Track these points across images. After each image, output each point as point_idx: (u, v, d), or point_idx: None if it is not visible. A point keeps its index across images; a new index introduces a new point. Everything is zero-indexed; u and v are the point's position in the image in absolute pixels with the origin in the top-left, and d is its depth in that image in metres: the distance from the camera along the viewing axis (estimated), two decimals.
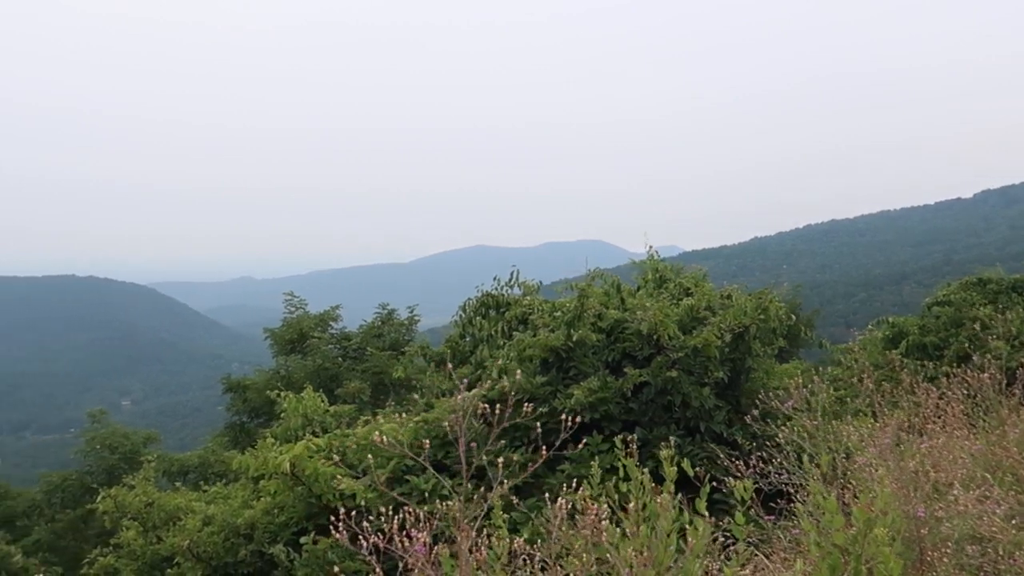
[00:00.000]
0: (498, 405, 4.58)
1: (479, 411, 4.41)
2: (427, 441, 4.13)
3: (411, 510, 3.95)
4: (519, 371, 8.76)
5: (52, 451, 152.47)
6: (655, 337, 8.77)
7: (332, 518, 3.75)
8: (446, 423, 8.89)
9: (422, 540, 3.47)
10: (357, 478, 8.82)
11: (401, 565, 3.56)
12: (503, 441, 8.77)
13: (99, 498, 10.05)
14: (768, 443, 7.39)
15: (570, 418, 4.13)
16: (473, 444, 4.52)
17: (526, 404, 4.78)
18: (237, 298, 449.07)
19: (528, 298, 11.05)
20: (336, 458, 9.28)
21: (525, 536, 4.50)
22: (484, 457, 4.13)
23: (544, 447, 4.34)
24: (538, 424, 4.48)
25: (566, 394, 8.73)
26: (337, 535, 3.60)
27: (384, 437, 3.83)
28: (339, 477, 8.71)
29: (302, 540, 8.34)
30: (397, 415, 10.49)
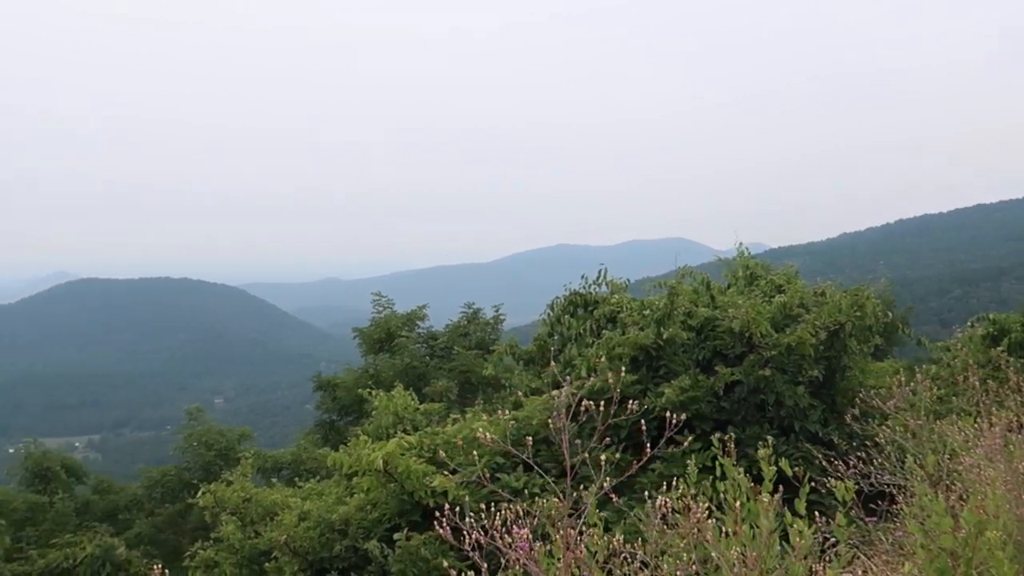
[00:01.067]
0: (587, 403, 4.57)
1: (570, 409, 4.40)
2: (529, 438, 4.09)
3: (508, 507, 3.97)
4: (609, 369, 8.73)
5: (149, 448, 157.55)
6: (747, 335, 8.65)
7: (437, 513, 3.78)
8: (536, 421, 8.96)
9: (525, 536, 3.48)
10: (448, 475, 8.90)
11: (503, 561, 3.58)
12: (593, 439, 8.77)
13: (199, 493, 10.33)
14: (867, 443, 7.23)
15: (673, 416, 4.09)
16: (576, 442, 4.51)
17: (616, 402, 4.76)
18: (324, 298, 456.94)
19: (616, 296, 11.00)
20: (427, 456, 9.40)
21: (618, 535, 4.49)
22: (587, 455, 4.12)
23: (647, 446, 4.31)
24: (642, 422, 4.43)
25: (656, 393, 8.68)
26: (440, 530, 3.63)
27: (488, 434, 3.84)
28: (431, 474, 8.81)
29: (395, 536, 8.44)
30: (486, 414, 10.57)
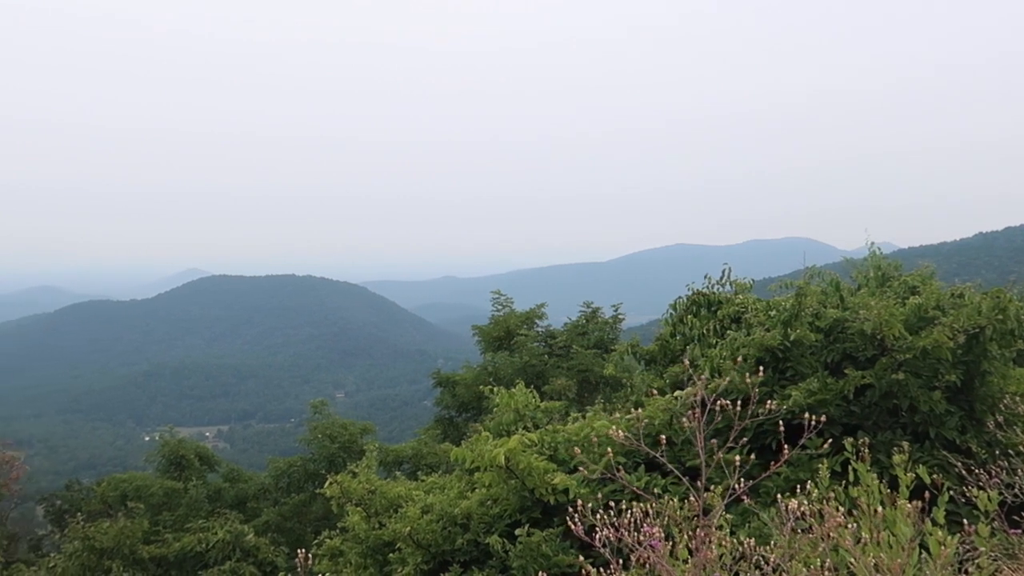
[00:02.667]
0: (722, 402, 4.52)
1: (696, 409, 4.36)
2: (663, 437, 4.08)
3: (638, 505, 3.96)
4: (734, 371, 8.60)
5: (274, 438, 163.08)
6: (879, 337, 8.39)
7: (570, 509, 3.80)
8: (658, 421, 8.90)
9: (657, 535, 3.47)
10: (569, 473, 8.92)
11: (634, 559, 3.58)
12: (715, 440, 8.65)
13: (326, 484, 10.60)
14: (1010, 452, 6.92)
15: (812, 418, 4.01)
16: (706, 442, 4.47)
17: (740, 404, 4.69)
18: (441, 296, 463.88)
19: (741, 297, 10.82)
20: (548, 453, 9.44)
21: (742, 537, 4.43)
22: (712, 456, 4.08)
23: (773, 448, 4.24)
24: (779, 423, 4.35)
25: (783, 395, 8.50)
26: (573, 527, 3.65)
27: (621, 431, 3.84)
28: (552, 472, 8.85)
29: (517, 532, 8.51)
30: (607, 413, 10.54)
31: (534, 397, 11.25)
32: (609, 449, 5.97)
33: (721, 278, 11.26)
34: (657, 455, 3.84)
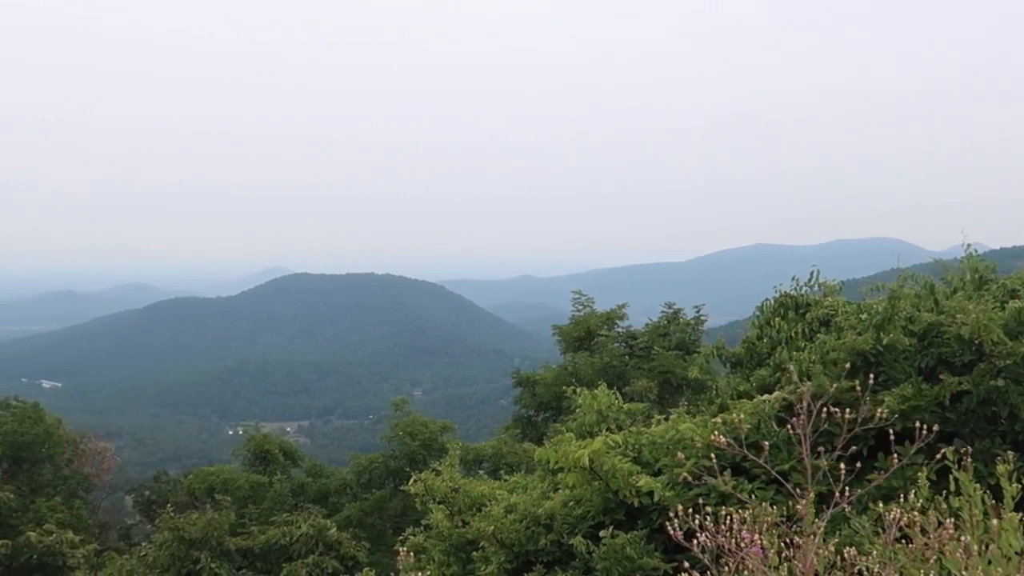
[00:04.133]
0: (827, 407, 4.45)
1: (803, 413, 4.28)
2: (766, 444, 4.02)
3: (736, 511, 3.92)
4: (824, 375, 8.45)
5: (353, 434, 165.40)
6: (977, 342, 8.15)
7: (670, 514, 3.77)
8: (746, 425, 8.78)
9: (758, 542, 3.43)
10: (654, 475, 8.87)
11: (732, 565, 3.54)
12: (807, 445, 8.50)
13: (410, 481, 10.74)
14: None
15: (924, 427, 3.91)
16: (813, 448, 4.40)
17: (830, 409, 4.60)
18: (518, 295, 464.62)
19: (830, 299, 10.63)
20: (632, 455, 9.39)
21: (831, 545, 4.34)
22: (827, 462, 4.01)
23: (865, 455, 4.15)
24: (872, 428, 4.26)
25: (875, 400, 8.31)
26: (671, 528, 3.62)
27: (722, 437, 3.81)
28: (636, 474, 8.80)
29: (601, 533, 8.49)
30: (690, 415, 10.45)
31: (617, 399, 11.20)
32: (716, 454, 5.86)
33: (809, 280, 11.07)
34: (756, 457, 3.78)
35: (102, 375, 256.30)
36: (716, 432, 4.16)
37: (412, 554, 4.06)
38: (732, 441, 3.89)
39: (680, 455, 5.31)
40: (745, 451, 3.94)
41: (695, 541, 3.57)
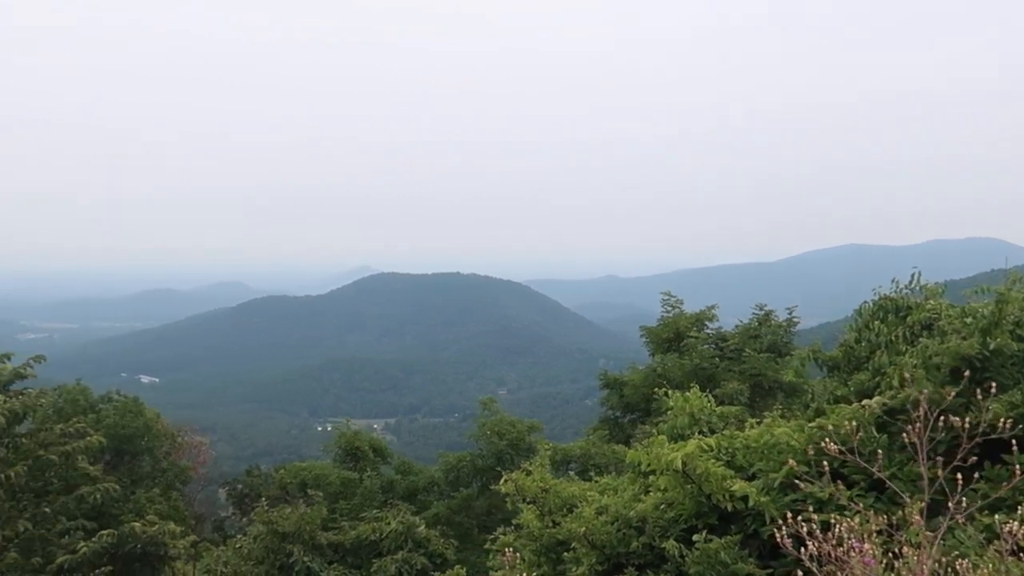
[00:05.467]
0: (916, 416, 4.32)
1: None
2: (879, 451, 3.94)
3: (845, 519, 3.84)
4: (927, 380, 8.21)
5: (439, 432, 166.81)
6: None
7: (780, 521, 3.71)
8: (843, 430, 8.58)
9: (870, 552, 3.35)
10: (748, 480, 8.74)
11: (840, 574, 3.46)
12: (903, 453, 8.27)
13: (501, 481, 10.78)
14: None
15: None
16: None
17: (933, 416, 4.46)
18: (603, 295, 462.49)
19: (932, 302, 10.31)
20: (725, 459, 9.26)
21: (941, 555, 4.20)
22: (933, 471, 3.90)
23: (969, 464, 4.02)
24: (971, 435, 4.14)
25: (982, 407, 8.04)
26: (779, 535, 3.56)
27: (830, 443, 3.73)
28: (730, 478, 8.68)
29: (694, 537, 8.40)
30: (784, 419, 10.26)
31: (709, 401, 11.06)
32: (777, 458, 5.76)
33: (910, 282, 10.76)
34: (865, 464, 3.70)
35: (197, 371, 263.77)
36: (825, 439, 4.07)
37: (515, 554, 4.06)
38: (842, 448, 3.80)
39: (792, 461, 5.15)
40: (856, 458, 3.84)
41: (802, 548, 3.50)
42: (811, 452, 3.82)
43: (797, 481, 8.43)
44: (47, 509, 14.38)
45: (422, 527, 18.80)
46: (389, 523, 18.58)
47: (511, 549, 4.20)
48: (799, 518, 3.66)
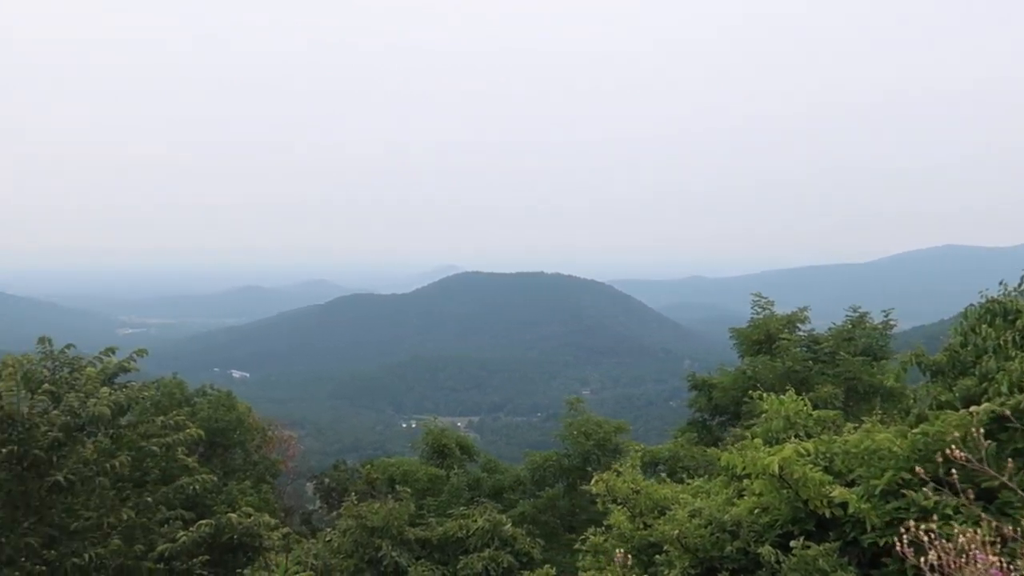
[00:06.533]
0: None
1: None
2: (1009, 461, 3.79)
3: (966, 530, 3.70)
4: None
5: (522, 431, 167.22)
6: None
7: (902, 530, 3.59)
8: (948, 437, 8.30)
9: (995, 562, 3.22)
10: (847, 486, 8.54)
11: None
12: (1016, 461, 7.98)
13: (592, 481, 10.75)
14: None
15: None
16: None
17: None
18: (688, 296, 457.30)
19: None
20: (822, 464, 9.06)
21: None
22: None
23: None
24: None
25: None
26: (899, 543, 3.45)
27: (958, 451, 3.60)
28: (829, 484, 8.49)
29: (792, 544, 8.24)
30: (883, 425, 9.98)
31: (805, 405, 10.83)
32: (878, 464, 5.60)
33: (1020, 284, 10.35)
34: (992, 472, 3.56)
35: (286, 366, 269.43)
36: (951, 446, 3.92)
37: (627, 555, 4.02)
38: (962, 455, 3.67)
39: (919, 469, 4.97)
40: (970, 464, 3.70)
41: (923, 559, 3.38)
42: (938, 458, 3.68)
43: (901, 489, 8.24)
44: (148, 498, 14.83)
45: (508, 525, 18.81)
46: (476, 520, 18.65)
47: (622, 550, 4.15)
48: (921, 527, 3.54)
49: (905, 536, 3.52)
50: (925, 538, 3.44)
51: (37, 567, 12.95)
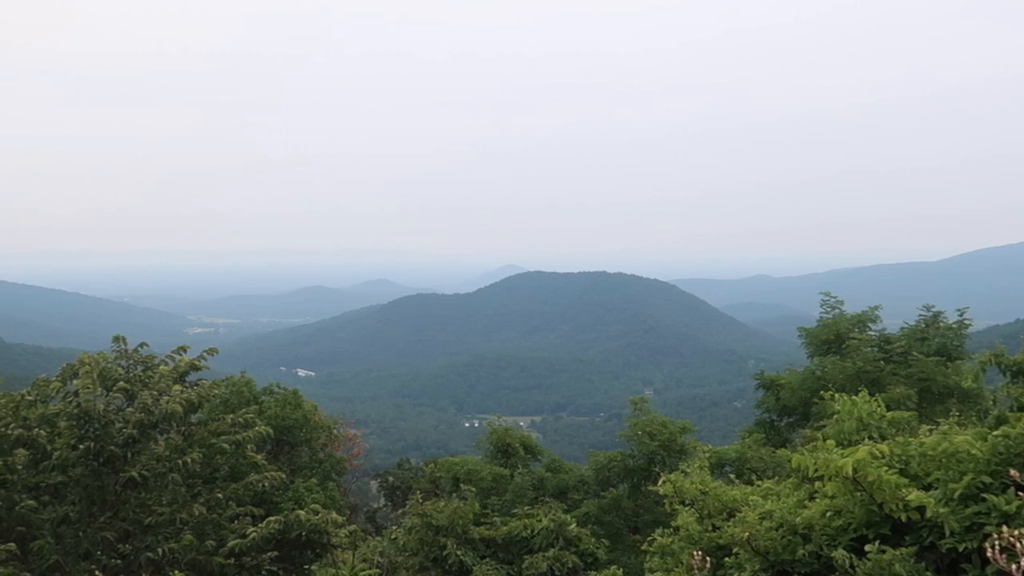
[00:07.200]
0: None
1: None
2: None
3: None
4: None
5: (584, 431, 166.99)
6: None
7: (995, 535, 3.47)
8: None
9: None
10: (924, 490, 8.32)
11: None
12: None
13: (660, 482, 10.63)
14: None
15: None
16: None
17: None
18: (752, 295, 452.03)
19: None
20: (898, 467, 8.83)
21: None
22: None
23: None
24: None
25: None
26: (990, 548, 3.33)
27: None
28: (905, 487, 8.28)
29: (867, 548, 8.05)
30: (961, 427, 9.72)
31: (879, 406, 10.58)
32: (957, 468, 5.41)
33: None
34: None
35: (350, 365, 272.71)
36: None
37: (704, 558, 3.95)
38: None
39: (1014, 472, 4.81)
40: None
41: (1015, 566, 3.26)
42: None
43: (981, 493, 8.00)
44: (219, 495, 15.09)
45: (573, 525, 18.73)
46: (540, 520, 18.61)
47: (698, 552, 4.08)
48: (1016, 533, 3.41)
49: (997, 542, 3.39)
50: (1017, 544, 3.31)
51: (113, 560, 13.24)
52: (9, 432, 13.60)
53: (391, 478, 37.95)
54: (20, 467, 13.93)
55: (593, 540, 18.85)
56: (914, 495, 8.09)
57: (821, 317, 23.61)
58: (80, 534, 13.38)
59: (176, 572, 10.26)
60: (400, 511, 25.67)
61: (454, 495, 21.09)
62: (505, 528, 19.03)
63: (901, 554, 7.85)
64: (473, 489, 21.22)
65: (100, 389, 13.83)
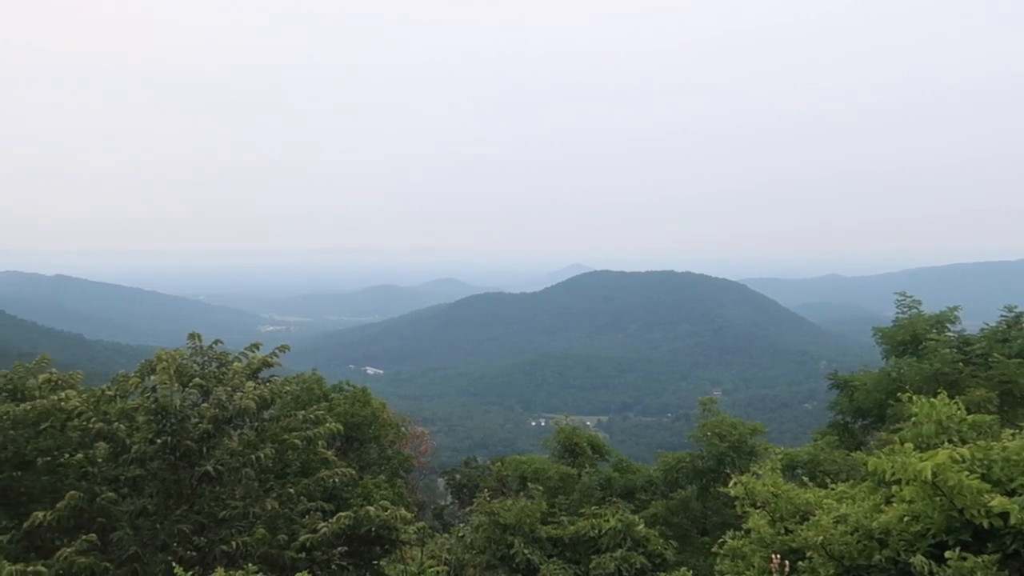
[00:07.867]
0: None
1: None
2: None
3: None
4: None
5: (651, 432, 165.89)
6: None
7: None
8: None
9: None
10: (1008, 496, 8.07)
11: None
12: None
13: (730, 483, 10.48)
14: None
15: None
16: None
17: None
18: (823, 295, 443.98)
19: None
20: (979, 472, 8.59)
21: None
22: None
23: None
24: None
25: None
26: None
27: None
28: (987, 492, 8.06)
29: (947, 554, 7.85)
30: None
31: (959, 408, 10.29)
32: None
33: None
34: None
35: (417, 363, 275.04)
36: None
37: (783, 560, 3.88)
38: None
39: None
40: None
41: None
42: None
43: None
44: (291, 490, 15.32)
45: (641, 526, 18.59)
46: (608, 520, 18.52)
47: (777, 555, 4.01)
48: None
49: None
50: None
51: (188, 552, 13.52)
52: (90, 426, 13.98)
53: (458, 476, 38.11)
54: (100, 460, 14.31)
55: (661, 541, 18.69)
56: (997, 501, 7.86)
57: (897, 317, 23.06)
58: (157, 526, 13.69)
59: (249, 565, 10.42)
60: (467, 509, 25.77)
61: (521, 494, 21.11)
62: (572, 528, 18.97)
63: (983, 561, 7.64)
64: (540, 488, 21.20)
65: (176, 385, 14.13)
